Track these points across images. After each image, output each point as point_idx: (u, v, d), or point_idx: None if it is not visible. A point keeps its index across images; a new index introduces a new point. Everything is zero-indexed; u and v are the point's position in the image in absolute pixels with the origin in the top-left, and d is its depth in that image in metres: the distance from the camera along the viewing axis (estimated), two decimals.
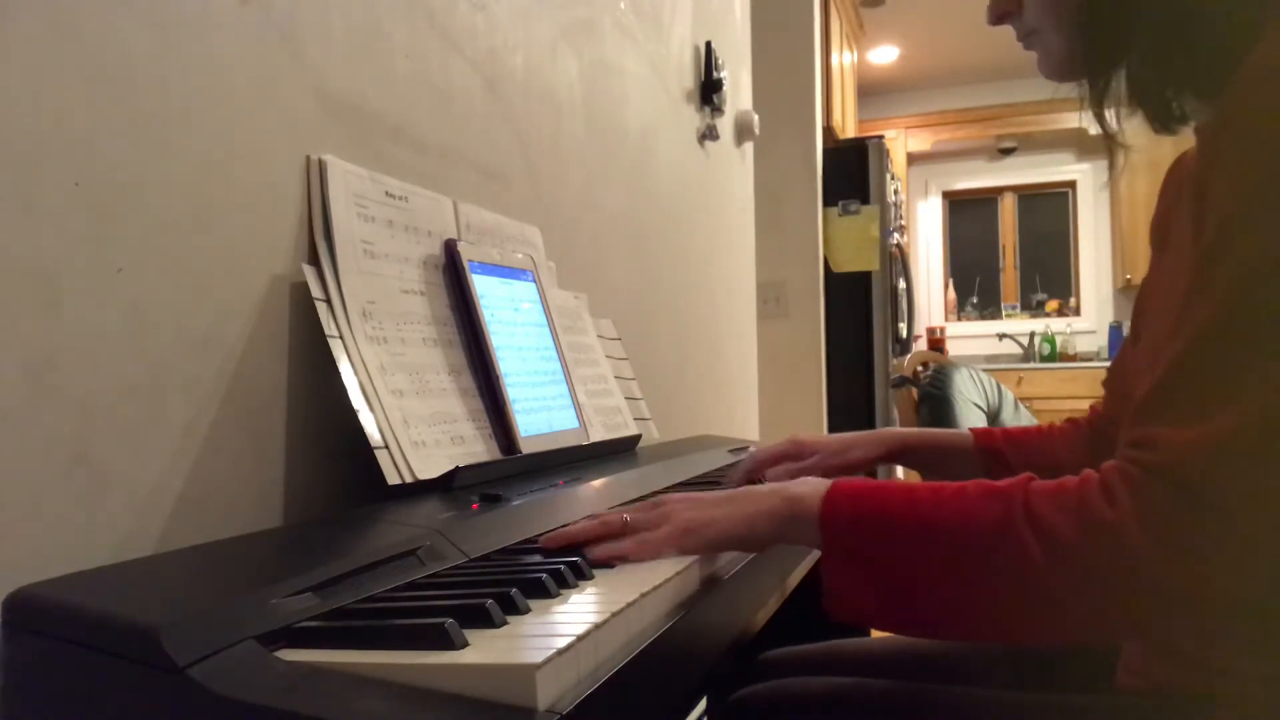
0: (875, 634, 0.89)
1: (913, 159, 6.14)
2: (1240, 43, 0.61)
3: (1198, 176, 0.62)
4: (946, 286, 6.29)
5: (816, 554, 0.66)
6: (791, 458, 1.03)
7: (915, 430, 1.07)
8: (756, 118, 2.46)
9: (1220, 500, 0.53)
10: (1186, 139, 0.72)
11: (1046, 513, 0.57)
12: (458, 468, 0.87)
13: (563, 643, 0.46)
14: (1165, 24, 0.66)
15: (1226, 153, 0.60)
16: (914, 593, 0.61)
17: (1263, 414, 0.53)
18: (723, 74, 2.16)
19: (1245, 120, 0.59)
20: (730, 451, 1.37)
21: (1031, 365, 5.68)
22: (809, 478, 0.70)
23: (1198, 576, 0.54)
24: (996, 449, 1.01)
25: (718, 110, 2.19)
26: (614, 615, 0.52)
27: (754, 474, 1.05)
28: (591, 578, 0.63)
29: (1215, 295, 0.56)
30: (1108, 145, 0.75)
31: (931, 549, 0.60)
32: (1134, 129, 0.74)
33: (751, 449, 1.37)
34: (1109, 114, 0.73)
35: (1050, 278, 6.15)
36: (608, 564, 0.67)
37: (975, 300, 6.29)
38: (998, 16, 0.79)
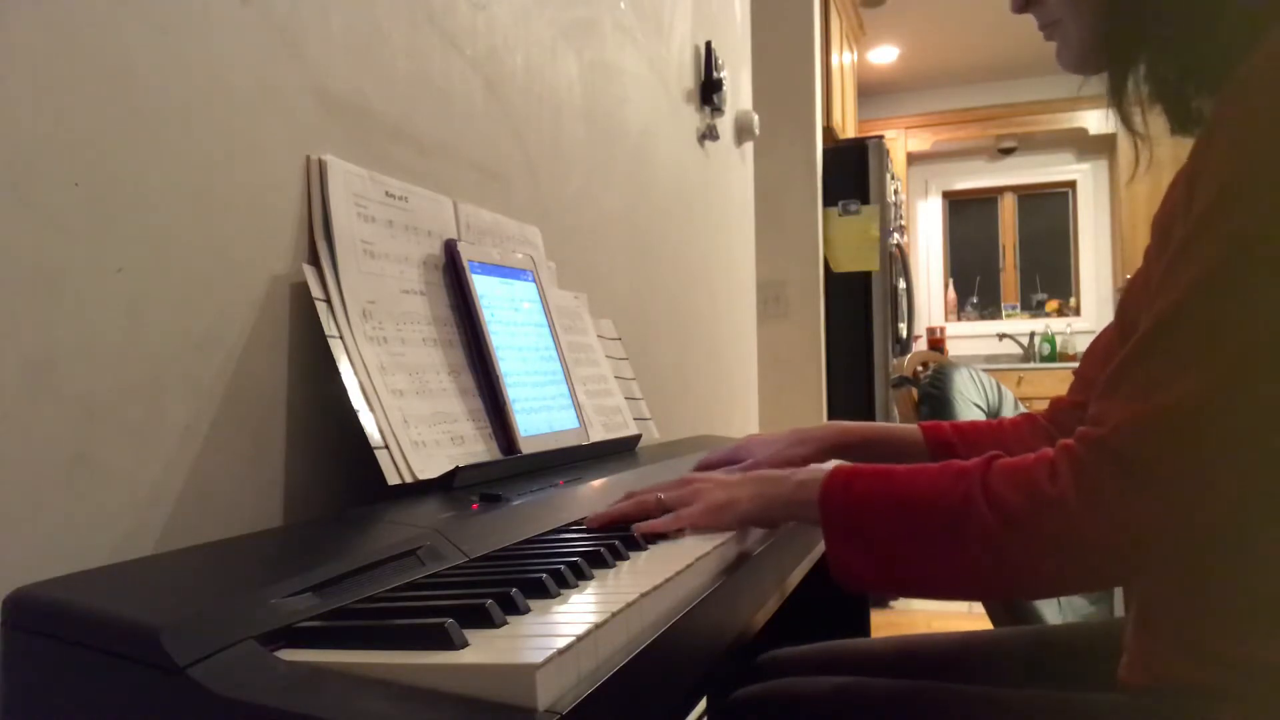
0: (875, 634, 0.89)
1: (913, 159, 6.14)
2: (1254, 40, 0.61)
3: (1189, 171, 0.63)
4: (946, 286, 6.29)
5: (817, 555, 0.70)
6: (735, 462, 1.03)
7: (864, 424, 1.09)
8: (756, 118, 2.46)
9: (1151, 472, 0.59)
10: (1179, 141, 0.72)
11: (1000, 488, 0.64)
12: (458, 468, 0.87)
13: (563, 643, 0.46)
14: (1183, 18, 0.66)
15: (1211, 153, 0.61)
16: (899, 560, 0.70)
17: (1200, 394, 0.58)
18: (723, 74, 2.16)
19: (1237, 114, 0.60)
20: None
21: (1031, 365, 5.68)
22: (815, 465, 0.79)
23: (1132, 544, 0.61)
24: (947, 443, 1.01)
25: (718, 110, 2.19)
26: (614, 615, 0.52)
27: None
28: (592, 578, 0.63)
29: (1178, 287, 0.60)
30: (1133, 141, 0.76)
31: (909, 523, 0.68)
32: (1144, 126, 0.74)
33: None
34: (1128, 109, 0.73)
35: (1050, 278, 6.14)
36: (649, 538, 0.76)
37: (975, 300, 6.29)
38: (1021, 4, 0.79)
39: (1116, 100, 0.73)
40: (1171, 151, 0.76)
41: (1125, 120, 0.74)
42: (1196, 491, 0.59)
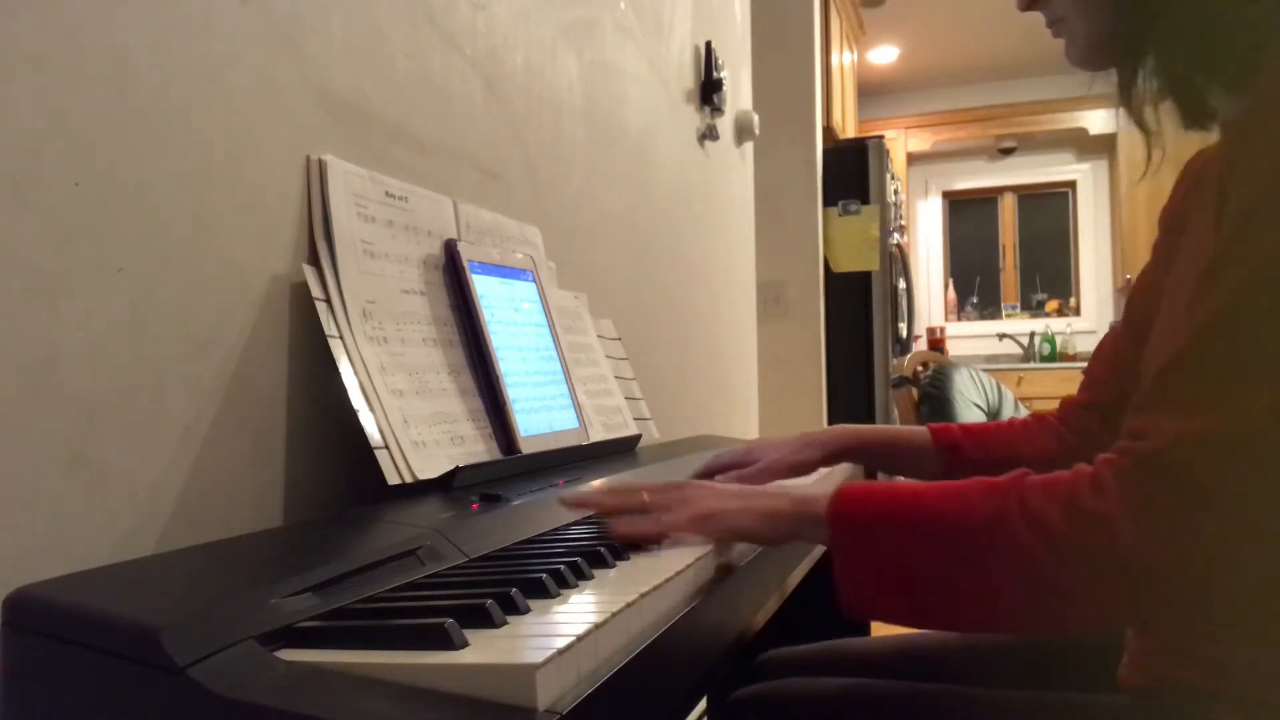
0: (875, 634, 0.89)
1: (913, 159, 6.14)
2: (1264, 36, 0.60)
3: (1221, 172, 0.62)
4: (946, 286, 6.29)
5: (817, 555, 0.68)
6: (744, 465, 1.00)
7: (872, 427, 1.07)
8: (756, 118, 2.46)
9: (1205, 490, 0.55)
10: (1190, 137, 0.72)
11: (1039, 506, 0.58)
12: (458, 468, 0.87)
13: (563, 643, 0.46)
14: (1189, 11, 0.65)
15: (1251, 150, 0.59)
16: (921, 588, 0.63)
17: (1255, 410, 0.55)
18: (723, 74, 2.16)
19: (1267, 117, 0.59)
20: None
21: (1031, 365, 5.68)
22: (820, 470, 0.72)
23: (1183, 564, 0.56)
24: (954, 443, 1.00)
25: (718, 110, 2.19)
26: (614, 615, 0.52)
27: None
28: (591, 578, 0.63)
29: (1222, 292, 0.57)
30: (1145, 138, 0.74)
31: (934, 546, 0.62)
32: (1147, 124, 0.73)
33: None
34: (1138, 105, 0.72)
35: (1050, 278, 6.15)
36: (626, 541, 0.71)
37: (975, 300, 6.29)
38: (1027, 2, 0.78)
39: (1126, 97, 0.72)
40: (1173, 150, 0.76)
41: (1136, 117, 0.72)
42: (1259, 511, 0.55)
